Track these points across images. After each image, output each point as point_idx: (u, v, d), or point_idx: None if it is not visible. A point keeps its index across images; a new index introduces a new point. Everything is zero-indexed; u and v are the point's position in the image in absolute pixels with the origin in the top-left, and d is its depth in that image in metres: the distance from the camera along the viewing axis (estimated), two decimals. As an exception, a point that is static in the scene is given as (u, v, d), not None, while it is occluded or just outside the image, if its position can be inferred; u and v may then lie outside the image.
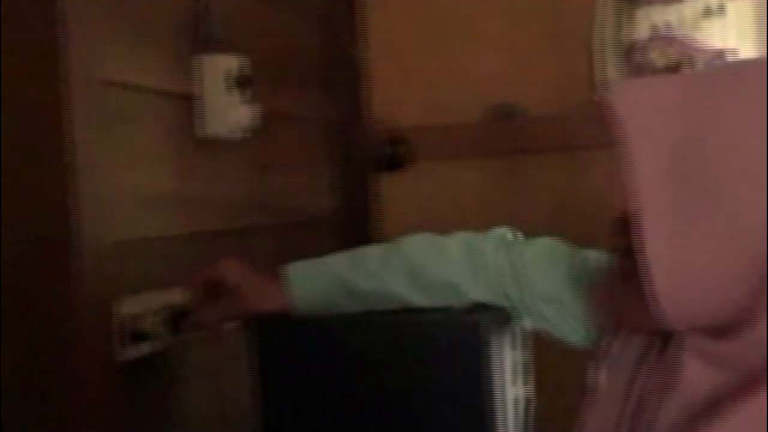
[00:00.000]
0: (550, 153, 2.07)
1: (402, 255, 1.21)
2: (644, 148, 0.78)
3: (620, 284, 0.91)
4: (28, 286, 1.13)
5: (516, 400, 1.27)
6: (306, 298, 1.21)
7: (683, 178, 0.77)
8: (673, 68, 1.96)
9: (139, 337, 1.25)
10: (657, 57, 2.00)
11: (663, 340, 0.89)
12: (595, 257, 1.16)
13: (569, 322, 1.16)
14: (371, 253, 1.23)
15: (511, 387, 1.26)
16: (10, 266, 1.13)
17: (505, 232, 1.24)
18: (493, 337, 1.19)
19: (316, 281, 1.22)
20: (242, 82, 1.54)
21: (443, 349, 1.18)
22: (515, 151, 2.10)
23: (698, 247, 0.76)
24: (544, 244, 1.22)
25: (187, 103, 1.48)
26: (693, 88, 0.81)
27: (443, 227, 2.12)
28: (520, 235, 1.26)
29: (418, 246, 1.22)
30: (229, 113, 1.51)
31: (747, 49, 1.94)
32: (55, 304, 1.13)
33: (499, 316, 1.20)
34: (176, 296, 1.34)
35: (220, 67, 1.50)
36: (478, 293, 1.20)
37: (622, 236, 0.86)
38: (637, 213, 0.77)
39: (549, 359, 1.36)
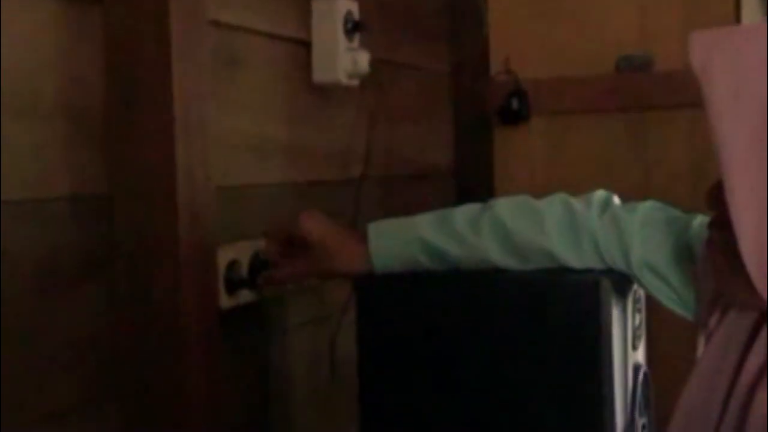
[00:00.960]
0: (680, 109, 1.96)
1: (493, 219, 1.15)
2: (728, 106, 0.71)
3: (713, 255, 0.84)
4: (134, 229, 1.12)
5: (636, 367, 1.20)
6: (386, 260, 1.17)
7: None
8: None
9: (242, 284, 1.23)
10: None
11: None
12: (700, 222, 1.07)
13: (668, 292, 1.09)
14: (459, 215, 1.17)
15: (631, 353, 1.19)
16: (118, 210, 1.11)
17: (608, 195, 1.16)
18: (615, 299, 1.12)
19: (397, 243, 1.17)
20: (359, 28, 1.49)
21: (560, 310, 1.12)
22: (643, 107, 2.00)
23: None
24: (649, 208, 1.13)
25: (299, 48, 1.44)
26: None
27: (563, 184, 2.05)
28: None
29: (511, 210, 1.16)
30: (344, 59, 1.46)
31: None
32: (160, 249, 1.11)
33: (620, 278, 1.13)
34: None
35: (338, 11, 1.45)
36: (577, 259, 1.14)
37: (714, 206, 0.80)
38: (725, 178, 0.71)
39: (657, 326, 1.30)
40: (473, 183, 2.06)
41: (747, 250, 0.70)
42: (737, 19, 1.90)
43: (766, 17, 1.88)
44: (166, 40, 1.09)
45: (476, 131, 2.07)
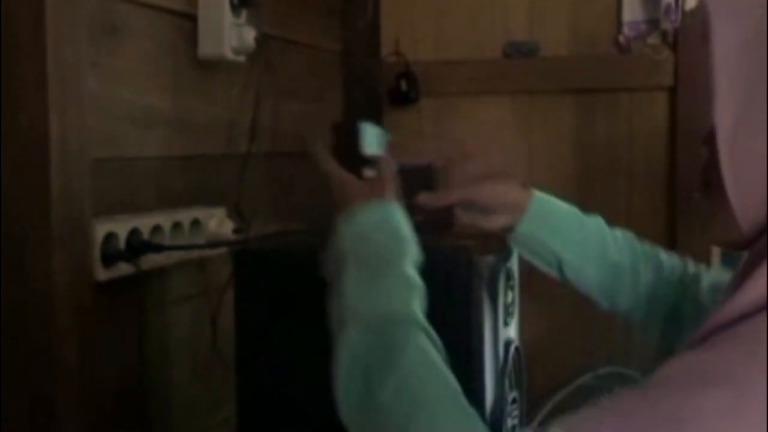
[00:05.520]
0: (564, 94, 2.02)
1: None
2: (725, 25, 0.74)
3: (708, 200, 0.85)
4: (6, 199, 1.10)
5: (507, 343, 1.24)
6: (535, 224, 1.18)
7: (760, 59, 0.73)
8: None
9: (120, 257, 1.22)
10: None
11: None
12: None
13: None
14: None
15: (503, 328, 1.22)
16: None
17: None
18: (487, 276, 1.15)
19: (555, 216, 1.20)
20: (246, 3, 1.48)
21: (432, 285, 1.14)
22: (529, 91, 2.05)
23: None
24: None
25: (185, 21, 1.43)
26: None
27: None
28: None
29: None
30: (230, 34, 1.46)
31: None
32: (31, 219, 1.10)
33: (496, 252, 1.16)
34: (161, 218, 1.31)
35: (224, -16, 1.45)
36: None
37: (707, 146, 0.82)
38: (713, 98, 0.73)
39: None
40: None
41: (726, 166, 0.73)
42: (618, 9, 1.96)
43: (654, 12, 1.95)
44: (40, 7, 1.07)
45: (366, 111, 2.08)
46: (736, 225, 0.76)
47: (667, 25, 1.92)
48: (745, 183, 0.74)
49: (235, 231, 1.43)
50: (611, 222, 1.25)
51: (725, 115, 0.73)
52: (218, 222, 1.42)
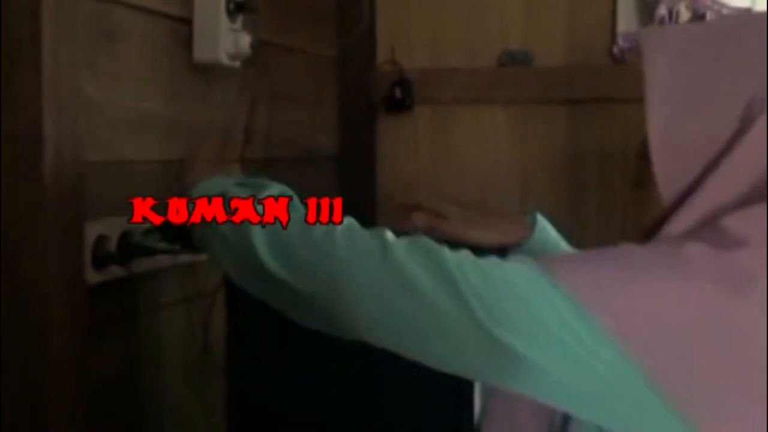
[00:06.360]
0: (558, 104, 2.02)
1: None
2: (660, 59, 0.90)
3: None
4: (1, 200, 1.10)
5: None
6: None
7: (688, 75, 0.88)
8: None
9: (111, 260, 1.22)
10: (683, 10, 1.94)
11: None
12: None
13: None
14: None
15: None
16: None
17: None
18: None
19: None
20: (242, 9, 1.49)
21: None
22: (523, 101, 2.05)
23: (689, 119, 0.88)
24: None
25: (180, 26, 1.44)
26: (715, 29, 0.95)
27: (445, 174, 2.10)
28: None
29: None
30: (225, 40, 1.46)
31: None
32: (25, 220, 1.10)
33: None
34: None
35: (220, -10, 1.45)
36: None
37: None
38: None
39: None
40: (356, 169, 2.08)
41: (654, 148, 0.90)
42: (613, 20, 1.97)
43: (648, 24, 1.97)
44: (37, 11, 1.08)
45: (361, 118, 2.09)
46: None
47: (661, 37, 1.92)
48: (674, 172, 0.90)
49: (228, 235, 1.43)
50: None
51: (656, 120, 0.89)
52: (211, 226, 1.42)
